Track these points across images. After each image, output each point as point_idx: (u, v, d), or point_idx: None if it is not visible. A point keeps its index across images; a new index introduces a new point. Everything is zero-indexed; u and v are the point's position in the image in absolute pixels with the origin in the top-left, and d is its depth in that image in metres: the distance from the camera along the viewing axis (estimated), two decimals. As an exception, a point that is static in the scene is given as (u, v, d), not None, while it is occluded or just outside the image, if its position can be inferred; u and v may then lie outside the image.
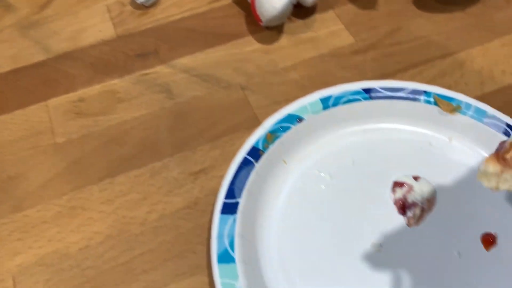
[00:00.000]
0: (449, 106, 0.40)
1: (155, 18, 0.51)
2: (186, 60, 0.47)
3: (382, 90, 0.41)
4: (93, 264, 0.35)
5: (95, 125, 0.43)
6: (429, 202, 0.37)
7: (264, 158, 0.38)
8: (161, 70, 0.47)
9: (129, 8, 0.52)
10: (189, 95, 0.45)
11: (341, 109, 0.41)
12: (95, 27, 0.50)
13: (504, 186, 0.23)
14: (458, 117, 0.40)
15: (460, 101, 0.40)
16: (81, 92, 0.45)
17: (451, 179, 0.39)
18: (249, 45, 0.48)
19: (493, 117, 0.39)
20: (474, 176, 0.39)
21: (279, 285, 0.34)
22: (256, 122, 0.43)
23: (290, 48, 0.48)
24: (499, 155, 0.22)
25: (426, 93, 0.41)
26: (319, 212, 0.37)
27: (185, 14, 0.51)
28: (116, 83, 0.46)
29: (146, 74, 0.46)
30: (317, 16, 0.50)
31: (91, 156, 0.41)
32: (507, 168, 0.22)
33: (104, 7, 0.52)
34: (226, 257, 0.33)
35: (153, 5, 0.51)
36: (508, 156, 0.22)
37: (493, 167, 0.22)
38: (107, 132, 0.42)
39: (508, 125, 0.39)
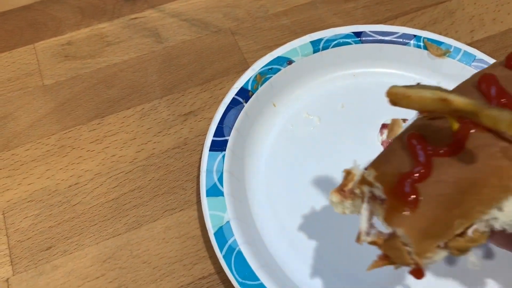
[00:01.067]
0: (439, 50, 0.40)
1: (144, -37, 0.50)
2: (175, 5, 0.47)
3: (372, 34, 0.41)
4: (83, 200, 0.36)
5: (84, 67, 0.43)
6: (416, 143, 0.37)
7: (253, 99, 0.38)
8: (150, 15, 0.46)
9: (117, -48, 0.50)
10: (178, 39, 0.44)
11: (331, 52, 0.41)
12: (83, -29, 0.49)
13: (347, 211, 0.28)
14: (447, 61, 0.40)
15: (449, 45, 0.40)
16: (69, 36, 0.45)
17: (438, 122, 0.39)
18: (240, -9, 0.48)
19: (482, 61, 0.40)
20: (460, 119, 0.39)
21: (265, 218, 0.34)
22: (246, 66, 0.42)
23: (281, -5, 0.47)
24: (340, 187, 0.28)
25: (416, 37, 0.41)
26: (307, 151, 0.38)
27: (175, -41, 0.50)
28: (104, 27, 0.45)
29: (135, 18, 0.46)
30: (309, -37, 0.49)
31: (79, 97, 0.41)
32: (345, 198, 0.27)
33: (92, -49, 0.51)
34: (214, 191, 0.33)
35: (142, -51, 0.50)
36: (345, 189, 0.27)
37: (335, 198, 0.28)
38: (95, 75, 0.42)
39: (496, 69, 0.39)
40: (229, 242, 0.31)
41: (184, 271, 0.33)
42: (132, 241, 0.34)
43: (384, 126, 0.39)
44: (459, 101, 0.21)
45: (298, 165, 0.37)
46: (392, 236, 0.24)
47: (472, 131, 0.23)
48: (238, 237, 0.32)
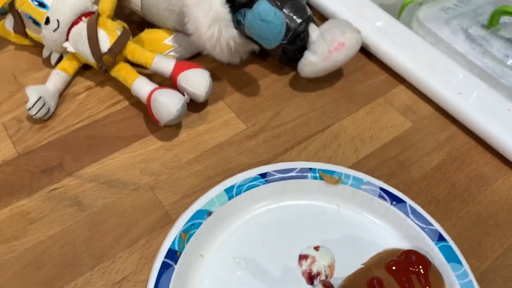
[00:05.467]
0: (332, 179, 0.47)
1: (55, 130, 0.52)
2: (92, 169, 0.49)
3: (275, 173, 0.47)
4: None
5: (10, 252, 0.43)
6: (330, 269, 0.43)
7: (182, 258, 0.41)
8: (68, 183, 0.48)
9: (26, 123, 0.53)
10: (100, 203, 0.47)
11: (244, 196, 0.46)
12: (-7, 147, 0.51)
13: None
14: (341, 187, 0.47)
15: (340, 173, 0.47)
16: (-12, 219, 0.45)
17: (345, 241, 0.45)
18: (152, 144, 0.52)
19: (368, 183, 0.47)
20: (362, 235, 0.46)
21: None
22: (169, 219, 0.46)
23: (190, 142, 0.52)
24: None
25: (312, 169, 0.48)
26: (239, 297, 0.41)
27: (84, 122, 0.53)
28: (25, 203, 0.46)
29: (55, 189, 0.48)
30: (210, 108, 0.56)
31: (9, 285, 0.41)
32: None
33: (0, 126, 0.52)
34: None
35: (50, 117, 0.53)
36: None
37: None
38: (23, 257, 0.43)
39: (381, 189, 0.47)
40: None
41: None
42: None
43: (301, 257, 0.44)
44: None
45: (233, 310, 0.40)
46: None
47: None
48: None
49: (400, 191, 0.47)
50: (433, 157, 0.52)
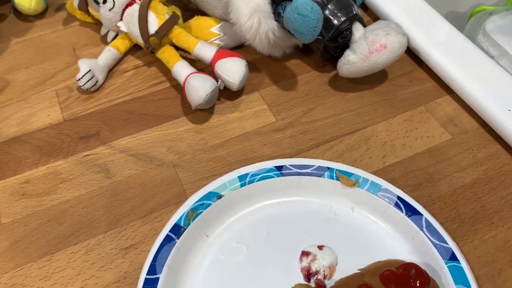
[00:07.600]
0: (349, 181, 0.46)
1: (99, 102, 0.56)
2: (124, 141, 0.53)
3: (291, 168, 0.47)
4: (28, 338, 0.39)
5: (39, 205, 0.47)
6: (330, 269, 0.42)
7: (185, 234, 0.43)
8: (101, 151, 0.52)
9: (76, 93, 0.57)
10: (125, 174, 0.50)
11: (256, 185, 0.46)
12: (44, 111, 0.56)
13: None
14: (357, 190, 0.46)
15: (358, 176, 0.46)
16: (27, 174, 0.50)
17: (352, 245, 0.44)
18: (183, 125, 0.54)
19: (386, 190, 0.45)
20: (372, 242, 0.44)
21: None
22: (184, 197, 0.48)
23: (219, 127, 0.54)
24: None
25: (329, 169, 0.47)
26: (236, 282, 0.42)
27: (127, 97, 0.57)
28: (60, 164, 0.51)
29: (88, 155, 0.51)
30: (244, 98, 0.57)
31: (33, 235, 0.45)
32: None
33: (53, 93, 0.57)
34: (144, 329, 0.37)
35: (97, 89, 0.57)
36: None
37: None
38: (49, 212, 0.47)
39: (399, 198, 0.45)
40: None
41: None
42: None
43: (303, 253, 0.43)
44: None
45: (227, 293, 0.41)
46: None
47: None
48: None
49: (421, 203, 0.45)
50: (466, 174, 0.49)
